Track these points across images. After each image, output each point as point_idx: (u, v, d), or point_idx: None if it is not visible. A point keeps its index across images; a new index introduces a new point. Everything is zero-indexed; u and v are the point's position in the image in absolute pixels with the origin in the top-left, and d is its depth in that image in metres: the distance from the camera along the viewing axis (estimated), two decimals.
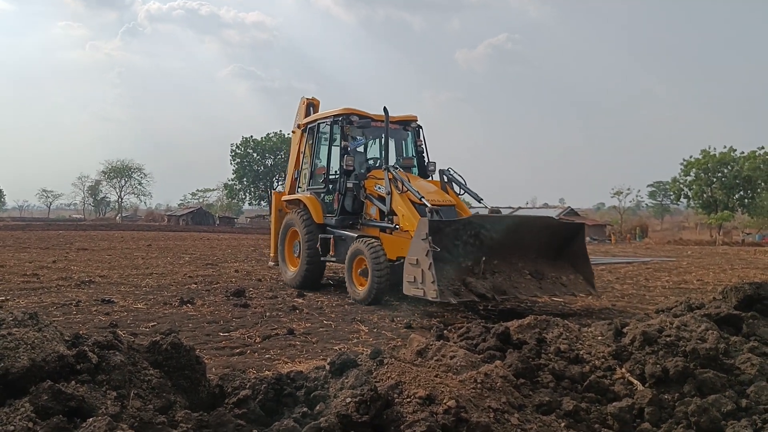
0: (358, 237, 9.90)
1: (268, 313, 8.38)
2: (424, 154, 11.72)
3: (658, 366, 3.32)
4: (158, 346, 2.93)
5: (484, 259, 8.02)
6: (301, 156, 12.81)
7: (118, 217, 79.52)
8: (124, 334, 3.67)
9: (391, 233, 9.68)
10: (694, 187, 59.81)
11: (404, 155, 11.74)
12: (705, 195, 59.16)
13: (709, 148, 59.36)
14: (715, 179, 58.63)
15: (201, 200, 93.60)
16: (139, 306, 8.74)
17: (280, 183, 74.12)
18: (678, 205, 75.67)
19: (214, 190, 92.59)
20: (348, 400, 2.81)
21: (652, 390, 3.21)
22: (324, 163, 11.53)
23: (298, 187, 12.55)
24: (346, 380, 3.01)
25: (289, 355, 5.93)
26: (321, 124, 11.60)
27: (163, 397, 2.67)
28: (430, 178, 11.35)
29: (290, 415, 2.84)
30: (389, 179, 9.76)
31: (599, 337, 3.87)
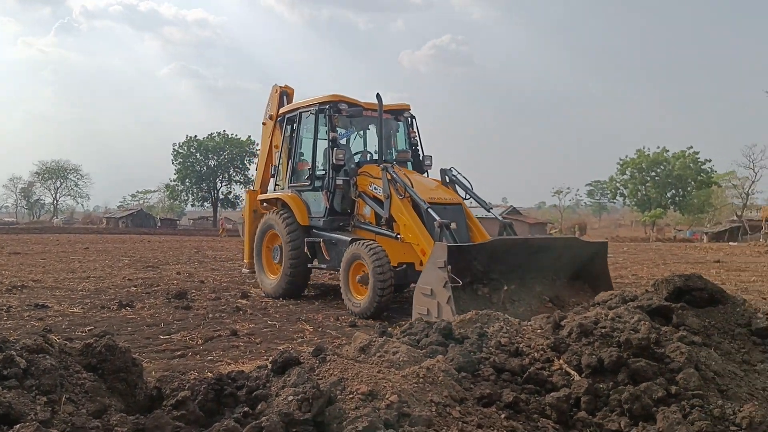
0: (352, 240, 8.83)
1: (210, 315, 8.24)
2: (419, 147, 10.68)
3: (593, 356, 3.42)
4: (92, 348, 2.84)
5: (506, 288, 6.97)
6: (275, 150, 11.64)
7: (55, 220, 76.51)
8: (58, 338, 3.55)
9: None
10: (629, 186, 61.87)
11: (397, 148, 10.67)
12: (640, 193, 61.25)
13: (644, 148, 61.56)
14: (648, 178, 60.78)
15: (141, 202, 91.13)
16: (75, 310, 8.46)
17: (224, 183, 72.95)
18: (615, 203, 78.23)
19: (155, 191, 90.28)
20: (290, 398, 2.80)
21: (588, 380, 3.30)
22: (308, 157, 10.33)
23: (276, 184, 11.32)
24: (289, 378, 2.99)
25: (232, 356, 5.86)
26: (303, 114, 10.36)
27: (97, 401, 2.60)
28: (425, 174, 10.39)
29: (231, 416, 2.80)
30: (388, 180, 8.63)
31: (538, 330, 3.95)
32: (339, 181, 9.50)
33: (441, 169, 9.84)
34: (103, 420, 2.56)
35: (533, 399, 3.22)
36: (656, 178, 60.50)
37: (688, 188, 59.99)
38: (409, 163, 10.42)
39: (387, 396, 2.78)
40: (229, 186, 73.67)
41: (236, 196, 73.64)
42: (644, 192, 60.98)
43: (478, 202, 9.49)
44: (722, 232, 52.45)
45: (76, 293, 10.33)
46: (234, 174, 72.68)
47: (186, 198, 76.45)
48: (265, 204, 11.45)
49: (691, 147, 59.79)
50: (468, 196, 9.43)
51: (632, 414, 3.07)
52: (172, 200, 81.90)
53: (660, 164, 60.49)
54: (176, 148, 71.83)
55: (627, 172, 62.25)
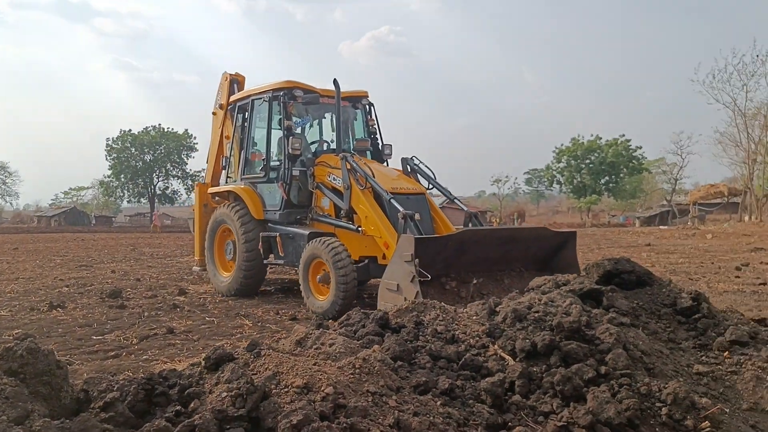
0: (310, 235, 8.42)
1: (146, 313, 8.04)
2: (378, 136, 10.26)
3: (527, 341, 3.49)
4: (12, 352, 2.71)
5: (474, 282, 6.80)
6: (226, 140, 11.15)
7: None
8: None
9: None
10: (565, 173, 63.50)
11: (355, 136, 10.23)
12: (575, 181, 62.96)
13: (578, 137, 63.23)
14: (583, 166, 62.53)
15: (74, 199, 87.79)
16: (2, 313, 8.10)
17: (160, 178, 71.06)
18: (552, 190, 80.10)
19: (88, 188, 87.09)
20: (224, 394, 2.75)
21: (523, 364, 3.36)
22: (261, 147, 9.88)
23: (228, 176, 10.85)
24: (222, 375, 2.93)
25: (168, 355, 5.73)
26: (256, 101, 9.84)
27: (19, 407, 2.48)
28: (385, 163, 10.02)
29: (162, 415, 2.72)
30: (347, 170, 8.27)
31: (474, 317, 4.01)
32: (295, 172, 9.08)
33: (402, 158, 9.57)
34: (25, 426, 2.45)
35: (469, 385, 3.26)
36: (590, 165, 62.26)
37: (621, 175, 62.00)
38: (368, 152, 10.09)
39: (322, 388, 2.77)
40: (166, 181, 71.87)
41: (174, 191, 71.98)
42: (579, 179, 62.70)
43: (442, 192, 9.25)
44: (653, 216, 54.50)
45: (4, 296, 9.89)
46: (171, 169, 70.87)
47: (121, 194, 74.16)
48: (216, 197, 11.04)
49: (623, 135, 61.83)
50: (431, 186, 9.14)
51: (564, 395, 3.15)
52: (106, 197, 79.29)
53: (594, 152, 62.26)
54: (110, 143, 69.53)
55: (563, 160, 63.87)
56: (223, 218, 10.07)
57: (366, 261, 7.97)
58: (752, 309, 7.25)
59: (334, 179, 8.62)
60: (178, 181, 71.06)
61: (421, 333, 3.72)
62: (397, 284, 6.35)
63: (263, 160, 9.63)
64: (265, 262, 9.44)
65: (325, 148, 10.03)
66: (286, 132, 9.15)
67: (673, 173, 63.06)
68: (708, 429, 3.14)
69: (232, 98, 10.83)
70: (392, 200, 7.72)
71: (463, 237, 7.02)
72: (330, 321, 4.30)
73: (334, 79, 8.95)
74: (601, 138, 62.61)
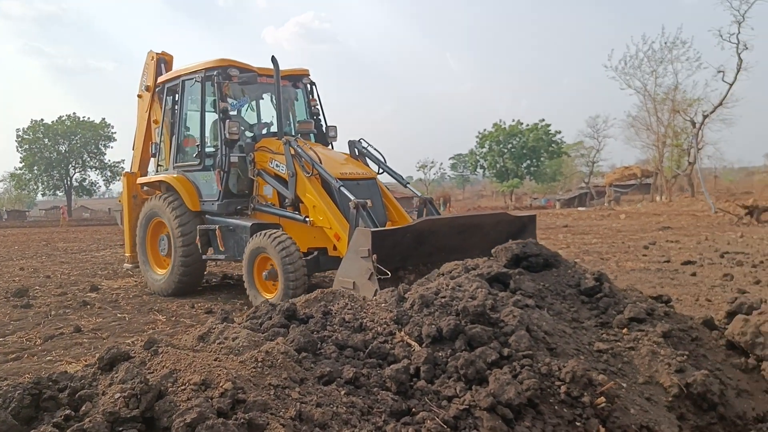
0: (253, 227, 7.84)
1: (54, 312, 7.68)
2: (321, 117, 9.60)
3: (433, 326, 3.52)
4: None
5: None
6: (154, 126, 10.36)
7: None
8: None
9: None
10: (488, 158, 64.80)
11: (297, 118, 9.57)
12: (498, 165, 64.36)
13: (500, 122, 64.54)
14: (505, 150, 63.98)
15: None
16: None
17: (77, 169, 67.93)
18: (476, 175, 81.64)
19: None
20: (117, 395, 2.64)
21: (428, 349, 3.40)
22: (194, 132, 9.17)
23: (158, 165, 10.05)
24: (117, 375, 2.82)
25: (74, 355, 5.50)
26: (187, 82, 9.08)
27: None
28: (330, 146, 9.40)
29: (51, 421, 2.60)
30: (291, 155, 7.73)
31: (383, 305, 4.01)
32: (234, 159, 8.40)
33: (349, 141, 8.99)
34: None
35: (375, 373, 3.26)
36: (512, 150, 63.78)
37: (542, 158, 63.79)
38: (311, 135, 9.47)
39: (221, 384, 2.70)
40: (83, 172, 68.78)
41: (92, 182, 69.00)
42: (502, 164, 64.14)
43: (393, 177, 8.70)
44: (572, 198, 56.42)
45: None
46: (88, 159, 67.84)
47: (35, 187, 70.49)
48: (146, 188, 10.32)
49: (543, 120, 63.59)
50: (381, 171, 8.60)
51: (467, 378, 3.21)
52: (19, 190, 75.23)
53: (515, 137, 63.78)
54: (20, 133, 65.87)
55: (486, 145, 65.12)
56: (155, 211, 9.36)
57: (315, 253, 7.54)
58: (654, 286, 7.62)
59: (276, 165, 8.09)
60: (96, 172, 68.15)
61: (328, 323, 3.70)
62: (353, 282, 5.81)
63: (197, 146, 8.96)
64: (204, 257, 8.83)
65: (264, 131, 9.37)
66: (221, 115, 8.50)
67: (590, 156, 65.43)
68: (604, 404, 3.27)
69: (160, 79, 10.08)
70: (342, 188, 7.27)
71: (422, 227, 6.46)
72: (238, 314, 4.21)
73: (272, 57, 8.33)
74: (522, 123, 64.21)
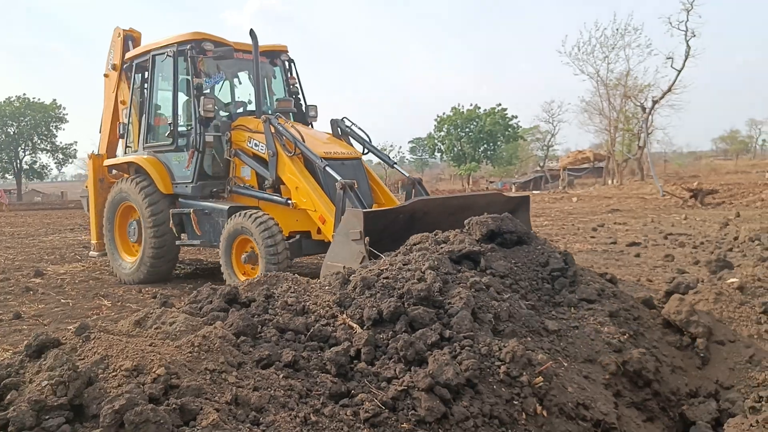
0: (230, 209, 7.47)
1: None
2: (301, 95, 9.20)
3: (374, 309, 3.52)
4: None
5: None
6: (121, 106, 9.92)
7: None
8: None
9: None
10: (446, 141, 65.03)
11: (275, 97, 9.14)
12: (456, 149, 64.69)
13: (459, 106, 64.75)
14: (463, 134, 64.31)
15: None
16: None
17: (27, 152, 65.61)
18: (434, 158, 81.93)
19: None
20: (44, 383, 2.58)
21: (369, 331, 3.40)
22: (166, 110, 8.72)
23: (127, 146, 9.58)
24: (45, 362, 2.75)
25: (11, 342, 5.35)
26: (158, 57, 8.61)
27: None
28: (310, 127, 9.00)
29: None
30: (272, 133, 7.36)
31: (327, 287, 4.00)
32: (209, 138, 7.95)
33: (332, 120, 8.58)
34: None
35: (315, 356, 3.25)
36: (470, 133, 64.14)
37: (498, 142, 64.36)
38: (290, 115, 8.97)
39: (154, 369, 2.66)
40: (34, 155, 66.47)
41: (43, 165, 66.80)
42: (459, 147, 64.48)
43: (380, 157, 8.41)
44: (528, 181, 57.28)
45: None
46: (39, 142, 65.57)
47: None
48: (113, 171, 9.92)
49: (500, 104, 64.04)
50: (366, 151, 8.30)
51: (407, 360, 3.22)
52: None
53: (473, 121, 64.14)
54: None
55: (444, 129, 65.36)
56: (123, 194, 8.84)
57: (297, 237, 7.22)
58: (600, 267, 7.79)
59: (256, 145, 7.68)
60: (48, 154, 65.95)
61: (270, 306, 3.67)
62: (343, 266, 5.29)
63: (170, 124, 8.45)
64: (177, 243, 8.41)
65: (241, 110, 8.90)
66: (195, 91, 8.02)
67: (545, 140, 66.40)
68: (541, 383, 3.33)
69: (129, 55, 9.56)
70: (327, 168, 6.91)
71: (415, 207, 6.10)
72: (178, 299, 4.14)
73: (251, 30, 7.86)
74: (479, 107, 64.58)
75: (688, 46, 34.45)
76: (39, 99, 63.95)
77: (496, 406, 3.14)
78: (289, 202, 7.22)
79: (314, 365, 3.18)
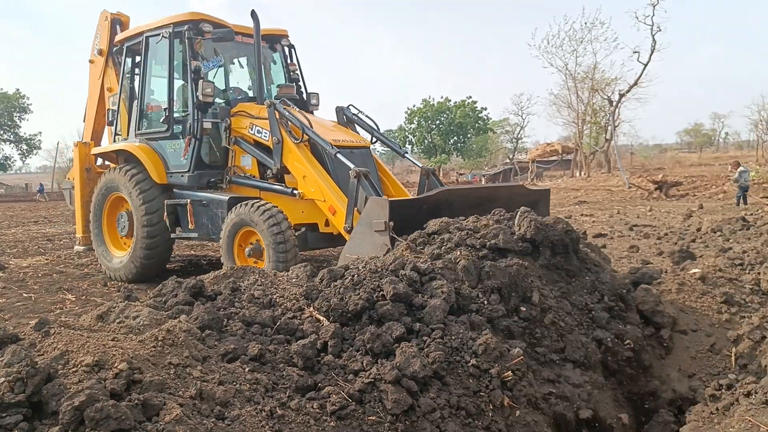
0: (230, 200, 7.02)
1: None
2: (302, 83, 8.72)
3: (342, 301, 3.51)
4: None
5: None
6: (107, 93, 9.54)
7: None
8: None
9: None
10: (416, 134, 65.16)
11: (273, 84, 8.60)
12: (426, 141, 64.86)
13: (429, 98, 64.88)
14: (434, 126, 64.50)
15: None
16: None
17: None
18: (405, 150, 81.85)
19: None
20: (1, 380, 2.51)
21: (336, 324, 3.38)
22: (159, 96, 8.24)
23: (116, 134, 9.07)
24: (2, 358, 2.67)
25: None
26: (152, 39, 8.07)
27: None
28: (312, 114, 8.37)
29: None
30: (276, 119, 6.91)
31: (294, 280, 3.98)
32: (207, 125, 7.49)
33: (337, 107, 8.07)
34: None
35: (282, 349, 3.23)
36: (440, 126, 64.36)
37: (468, 135, 64.70)
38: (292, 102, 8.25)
39: (116, 364, 2.60)
40: None
41: (6, 157, 65.18)
42: (430, 140, 64.66)
43: (389, 146, 7.94)
44: (497, 174, 57.60)
45: None
46: (2, 133, 63.92)
47: None
48: (101, 160, 9.44)
49: (470, 96, 64.36)
50: (375, 139, 7.87)
51: (373, 352, 3.22)
52: None
53: (443, 113, 64.33)
54: None
55: (414, 121, 65.45)
56: (113, 184, 8.28)
57: (303, 229, 6.87)
58: None
59: (258, 132, 7.24)
60: (11, 146, 64.36)
61: (237, 299, 3.64)
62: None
63: (165, 110, 7.92)
64: (173, 236, 7.91)
65: (240, 97, 8.37)
66: (193, 75, 7.51)
67: (515, 133, 66.91)
68: (510, 377, 3.35)
69: (119, 37, 8.99)
70: (339, 154, 6.49)
71: (440, 198, 5.68)
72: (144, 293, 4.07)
73: (252, 11, 7.36)
74: (450, 100, 64.79)
75: (654, 41, 35.00)
76: (1, 89, 62.40)
77: (464, 397, 3.15)
78: (295, 192, 6.81)
79: (281, 358, 3.16)
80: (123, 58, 8.76)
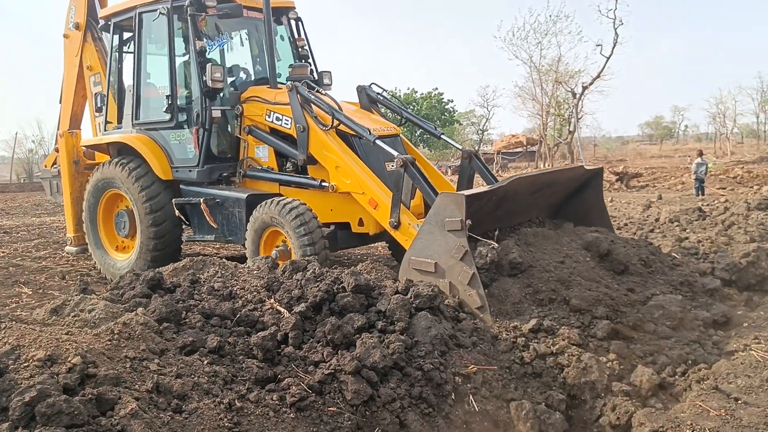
0: (249, 198, 6.28)
1: None
2: (311, 60, 7.75)
3: (302, 293, 3.50)
4: None
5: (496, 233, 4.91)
6: (88, 72, 8.50)
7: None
8: None
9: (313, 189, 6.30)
10: None
11: (279, 59, 7.45)
12: None
13: (396, 89, 64.86)
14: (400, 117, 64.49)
15: None
16: None
17: None
18: None
19: None
20: None
21: (297, 316, 3.37)
22: (158, 80, 7.37)
23: (107, 122, 7.99)
24: None
25: None
26: (147, 16, 7.16)
27: None
28: (325, 94, 7.12)
29: None
30: (299, 104, 6.16)
31: (255, 272, 3.95)
32: (216, 113, 6.71)
33: (358, 87, 7.19)
34: None
35: (242, 341, 3.21)
36: None
37: (435, 126, 64.94)
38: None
39: (69, 359, 2.56)
40: None
41: None
42: None
43: (422, 128, 7.11)
44: None
45: None
46: None
47: None
48: (92, 152, 8.53)
49: (437, 88, 64.45)
50: (404, 121, 7.07)
51: (334, 343, 3.22)
52: None
53: (410, 104, 64.39)
54: None
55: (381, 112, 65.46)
56: (110, 180, 7.41)
57: (332, 227, 6.22)
58: None
59: (277, 119, 6.50)
60: None
61: (196, 291, 3.60)
62: (435, 263, 4.34)
63: (167, 97, 7.05)
64: (185, 239, 7.30)
65: (244, 77, 7.60)
66: (199, 57, 6.70)
67: (480, 125, 67.26)
68: (474, 369, 3.39)
69: (105, 12, 7.90)
70: (378, 141, 5.79)
71: (511, 188, 4.99)
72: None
73: None
74: (416, 91, 64.85)
75: (617, 34, 35.34)
76: None
77: (426, 388, 3.16)
78: (325, 184, 6.10)
79: (240, 350, 3.14)
80: (111, 35, 7.73)
